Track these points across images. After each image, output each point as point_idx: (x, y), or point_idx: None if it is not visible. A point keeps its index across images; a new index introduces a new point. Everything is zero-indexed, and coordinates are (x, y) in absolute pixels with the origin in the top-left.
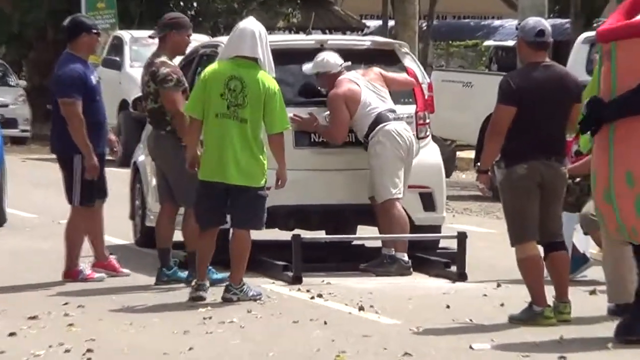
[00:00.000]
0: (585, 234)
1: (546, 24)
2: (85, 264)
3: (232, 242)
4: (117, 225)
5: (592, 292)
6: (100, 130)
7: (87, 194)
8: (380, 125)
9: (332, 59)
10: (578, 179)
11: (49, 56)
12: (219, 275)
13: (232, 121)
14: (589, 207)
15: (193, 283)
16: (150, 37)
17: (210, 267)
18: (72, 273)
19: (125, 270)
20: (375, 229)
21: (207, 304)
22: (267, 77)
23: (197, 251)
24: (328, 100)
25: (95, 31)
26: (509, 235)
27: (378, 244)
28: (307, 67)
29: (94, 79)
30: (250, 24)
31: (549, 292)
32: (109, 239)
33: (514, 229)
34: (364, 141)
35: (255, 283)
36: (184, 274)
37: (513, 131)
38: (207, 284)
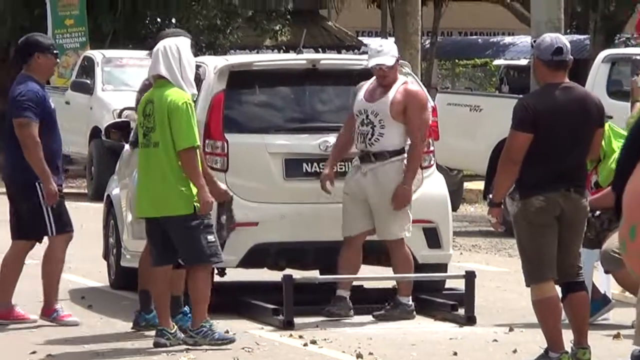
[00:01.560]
0: (607, 272)
1: (565, 40)
2: (61, 305)
3: (189, 282)
4: (90, 265)
5: (616, 337)
6: (57, 160)
7: (61, 219)
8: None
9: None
10: (598, 213)
11: (11, 78)
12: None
13: (149, 149)
14: (610, 243)
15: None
16: (149, 55)
17: (183, 311)
18: (48, 311)
19: (32, 316)
20: (374, 267)
21: (190, 351)
22: (174, 93)
23: (151, 292)
24: (414, 98)
25: (52, 52)
26: (523, 274)
27: (378, 284)
28: (374, 60)
29: (52, 102)
30: (161, 42)
31: (567, 337)
32: (81, 280)
33: (529, 267)
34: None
35: (242, 328)
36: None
37: (529, 159)
38: (171, 329)
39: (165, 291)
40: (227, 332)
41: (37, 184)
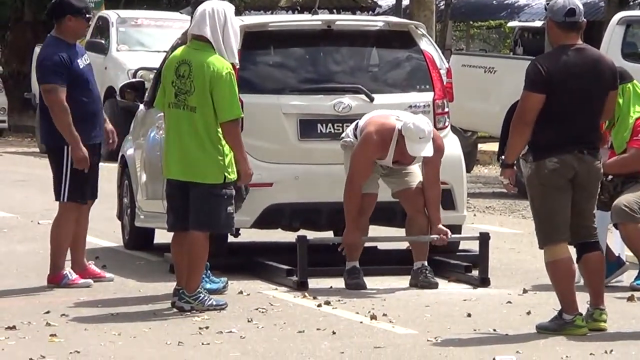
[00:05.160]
0: (615, 226)
1: (578, 2)
2: (69, 268)
3: (185, 245)
4: (104, 225)
5: (630, 299)
6: (93, 119)
7: (77, 189)
8: None
9: None
10: (611, 177)
11: (27, 39)
12: (214, 285)
13: (181, 111)
14: (622, 197)
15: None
16: (186, 13)
17: (204, 276)
18: (55, 277)
19: (109, 275)
20: (389, 229)
21: (204, 312)
22: (216, 60)
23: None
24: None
25: (85, 15)
26: (537, 235)
27: (392, 245)
28: (420, 150)
29: (81, 63)
30: (209, 3)
31: (581, 299)
32: (95, 240)
33: (542, 229)
34: None
35: (256, 289)
36: (213, 284)
37: (542, 121)
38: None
39: (179, 255)
40: (240, 292)
41: (66, 148)
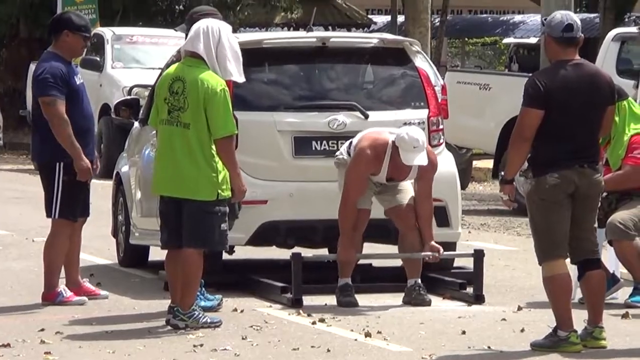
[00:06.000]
0: (610, 243)
1: (575, 17)
2: (64, 286)
3: (179, 263)
4: (98, 243)
5: (625, 316)
6: (85, 137)
7: (68, 206)
8: None
9: None
10: (606, 193)
11: (22, 56)
12: (208, 303)
13: (174, 127)
14: (617, 214)
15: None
16: (180, 30)
17: (199, 293)
18: (50, 295)
19: (103, 292)
20: (384, 246)
21: (198, 329)
22: (210, 77)
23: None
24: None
25: (82, 33)
26: (536, 252)
27: (386, 262)
28: (413, 158)
29: (77, 79)
30: (204, 21)
31: (576, 316)
32: (90, 258)
33: (542, 244)
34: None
35: (251, 306)
36: (208, 302)
37: (541, 137)
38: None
39: (173, 273)
40: (234, 310)
41: (58, 164)
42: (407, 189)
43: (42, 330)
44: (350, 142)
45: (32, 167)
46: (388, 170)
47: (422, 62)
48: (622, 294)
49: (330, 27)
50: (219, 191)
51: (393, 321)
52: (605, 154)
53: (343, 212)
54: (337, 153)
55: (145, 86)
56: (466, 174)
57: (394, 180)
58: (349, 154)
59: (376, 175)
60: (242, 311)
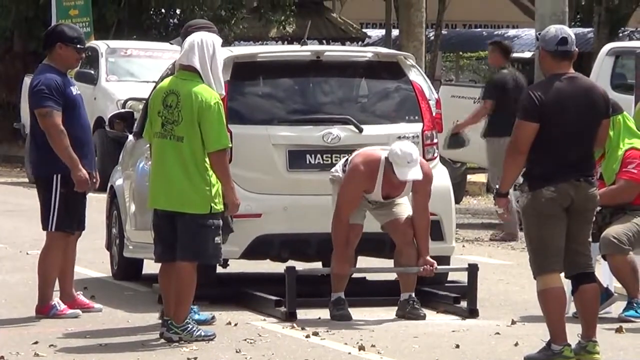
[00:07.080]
0: (604, 257)
1: (569, 31)
2: (58, 299)
3: (173, 276)
4: (92, 256)
5: (619, 330)
6: (83, 148)
7: (65, 218)
8: None
9: None
10: (600, 208)
11: (16, 70)
12: (202, 316)
13: (167, 140)
14: (611, 229)
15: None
16: (175, 43)
17: (193, 307)
18: (44, 308)
19: (97, 305)
20: (377, 260)
21: (192, 343)
22: (204, 90)
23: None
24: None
25: (76, 45)
26: (531, 265)
27: (380, 276)
28: (406, 173)
29: (74, 90)
30: (198, 34)
31: (570, 331)
32: (84, 271)
33: (537, 258)
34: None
35: (244, 319)
36: (202, 315)
37: (537, 151)
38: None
39: (167, 286)
40: (228, 323)
41: (55, 177)
42: (404, 204)
43: (36, 343)
44: (346, 160)
45: (26, 180)
46: (382, 187)
47: (417, 76)
48: (616, 308)
49: (324, 41)
50: (212, 204)
51: (387, 335)
52: (599, 168)
53: (336, 227)
54: (332, 170)
55: (139, 99)
56: (460, 188)
57: (390, 197)
58: (344, 171)
59: (371, 193)
60: (235, 324)
